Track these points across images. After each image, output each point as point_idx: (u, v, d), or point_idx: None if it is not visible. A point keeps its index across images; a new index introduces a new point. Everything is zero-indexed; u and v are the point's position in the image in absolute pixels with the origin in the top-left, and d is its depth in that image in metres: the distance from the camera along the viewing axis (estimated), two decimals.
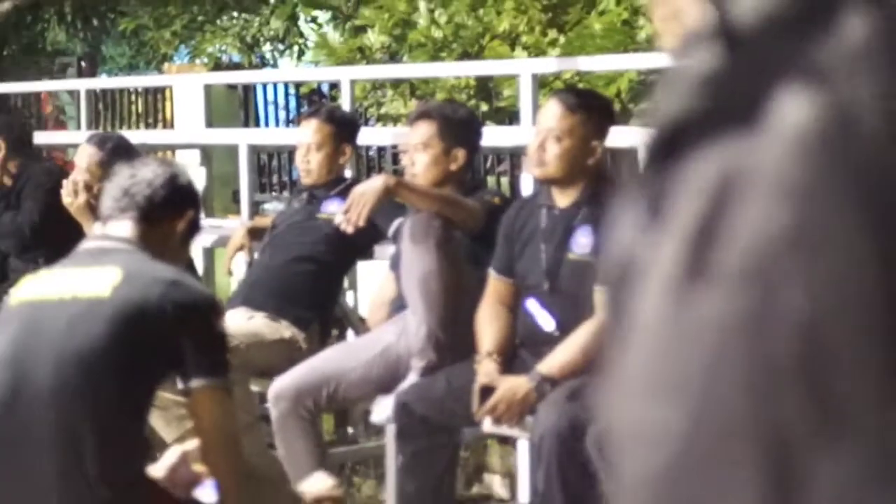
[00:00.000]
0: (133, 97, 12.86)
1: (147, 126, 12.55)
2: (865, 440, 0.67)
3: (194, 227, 3.43)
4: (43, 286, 3.24)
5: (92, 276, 3.18)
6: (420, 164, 5.42)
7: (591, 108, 4.93)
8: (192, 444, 3.32)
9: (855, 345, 0.67)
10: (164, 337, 3.12)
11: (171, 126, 11.96)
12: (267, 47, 13.91)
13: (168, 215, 3.35)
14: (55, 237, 6.44)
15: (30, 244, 6.99)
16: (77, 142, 7.87)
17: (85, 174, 6.37)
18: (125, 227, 3.31)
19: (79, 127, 10.69)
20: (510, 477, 6.26)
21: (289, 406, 5.31)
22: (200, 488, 3.31)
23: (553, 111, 4.91)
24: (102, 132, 7.42)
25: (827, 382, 0.67)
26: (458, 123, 5.50)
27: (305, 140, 5.98)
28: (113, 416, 3.09)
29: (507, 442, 6.19)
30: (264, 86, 12.95)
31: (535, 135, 4.96)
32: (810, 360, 0.67)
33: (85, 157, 6.49)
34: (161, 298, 3.11)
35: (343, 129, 6.01)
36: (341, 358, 5.55)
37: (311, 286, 5.85)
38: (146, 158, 3.45)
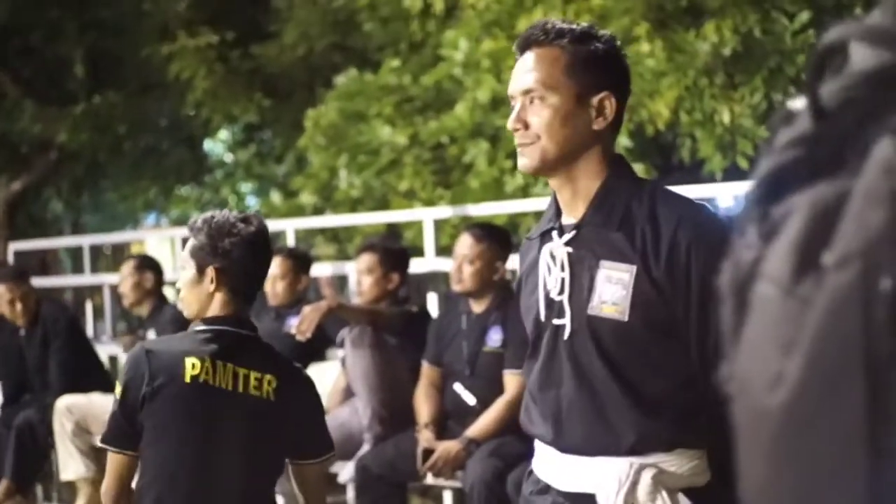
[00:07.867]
0: (106, 250, 12.62)
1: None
2: None
3: None
4: (216, 374, 3.05)
5: (255, 379, 3.07)
6: (365, 285, 5.32)
7: (494, 237, 4.88)
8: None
9: None
10: (302, 430, 3.18)
11: None
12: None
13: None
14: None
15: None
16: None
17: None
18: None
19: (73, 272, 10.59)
20: None
21: None
22: None
23: (466, 241, 4.85)
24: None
25: None
26: (394, 254, 5.41)
27: (273, 272, 5.80)
28: (265, 482, 3.13)
29: (426, 494, 6.03)
30: None
31: (453, 259, 4.89)
32: None
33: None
34: (300, 406, 3.14)
35: (301, 263, 5.88)
36: None
37: None
38: None
